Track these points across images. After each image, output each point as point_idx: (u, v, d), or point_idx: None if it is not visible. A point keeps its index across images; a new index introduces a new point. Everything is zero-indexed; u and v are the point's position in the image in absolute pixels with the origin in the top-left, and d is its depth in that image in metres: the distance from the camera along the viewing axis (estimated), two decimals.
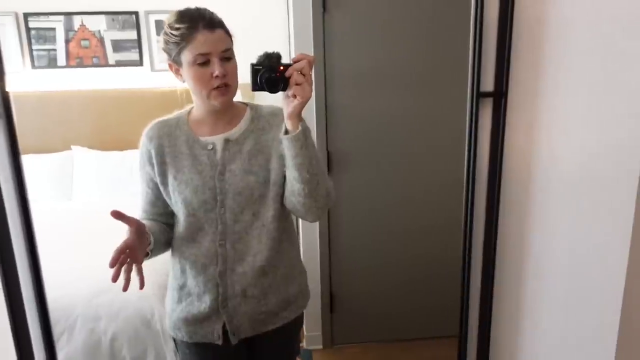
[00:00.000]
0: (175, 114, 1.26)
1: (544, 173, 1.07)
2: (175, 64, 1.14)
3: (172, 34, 1.10)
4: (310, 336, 2.47)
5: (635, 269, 0.82)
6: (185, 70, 1.12)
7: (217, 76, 1.10)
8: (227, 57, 1.12)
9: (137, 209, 1.30)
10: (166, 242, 1.26)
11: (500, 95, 1.09)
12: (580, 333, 0.99)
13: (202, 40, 1.08)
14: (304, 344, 2.47)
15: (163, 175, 1.20)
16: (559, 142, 1.02)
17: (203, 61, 1.10)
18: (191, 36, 1.08)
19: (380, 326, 2.51)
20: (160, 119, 1.25)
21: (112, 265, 1.02)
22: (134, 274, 1.06)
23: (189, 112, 1.24)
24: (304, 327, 2.44)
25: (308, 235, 2.35)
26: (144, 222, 1.19)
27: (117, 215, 1.05)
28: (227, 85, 1.13)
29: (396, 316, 2.49)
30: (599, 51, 0.88)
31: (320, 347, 2.49)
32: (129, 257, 1.05)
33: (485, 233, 1.20)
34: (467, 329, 1.26)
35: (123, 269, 1.04)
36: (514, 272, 1.20)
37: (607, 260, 0.88)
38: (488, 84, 1.10)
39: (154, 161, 1.20)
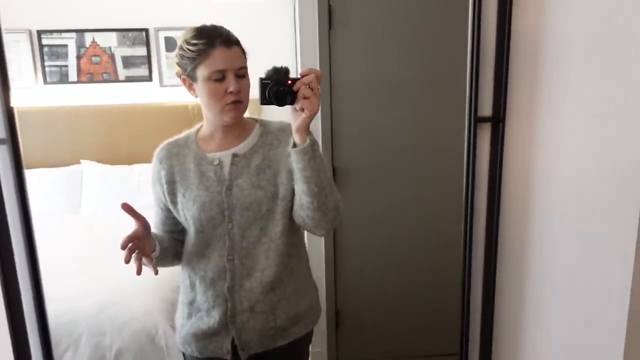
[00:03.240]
0: (184, 133, 1.28)
1: (543, 196, 1.07)
2: (189, 78, 1.16)
3: (188, 49, 1.12)
4: (315, 352, 2.44)
5: (639, 288, 0.81)
6: (199, 85, 1.14)
7: (231, 92, 1.12)
8: (242, 74, 1.15)
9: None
10: (175, 254, 1.28)
11: (498, 120, 1.10)
12: (583, 353, 0.98)
13: (219, 56, 1.11)
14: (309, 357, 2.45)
15: (172, 194, 1.22)
16: (557, 165, 1.02)
17: (219, 77, 1.12)
18: (208, 52, 1.10)
19: (385, 343, 2.48)
20: (170, 139, 1.27)
21: (123, 247, 1.07)
22: (143, 274, 1.11)
23: (198, 130, 1.26)
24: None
25: (313, 251, 2.34)
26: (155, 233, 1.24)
27: (127, 208, 1.10)
28: (239, 102, 1.15)
29: (401, 333, 2.47)
30: (594, 75, 0.89)
31: None
32: (137, 247, 1.10)
33: (485, 256, 1.19)
34: (467, 349, 1.24)
35: (134, 256, 1.09)
36: (515, 294, 1.19)
37: (608, 284, 0.87)
38: (486, 109, 1.10)
39: (163, 181, 1.23)
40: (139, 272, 1.10)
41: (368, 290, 2.41)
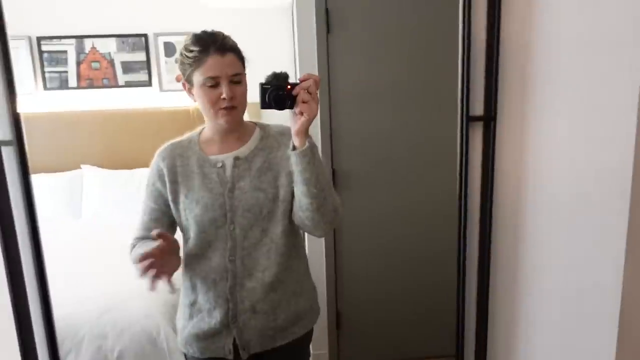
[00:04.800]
0: (187, 135, 1.30)
1: (535, 195, 1.09)
2: (188, 83, 1.20)
3: (186, 55, 1.16)
4: (316, 354, 2.45)
5: (631, 285, 0.82)
6: (196, 90, 1.17)
7: (224, 98, 1.15)
8: (237, 80, 1.17)
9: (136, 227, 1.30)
10: None
11: (489, 120, 1.12)
12: (576, 353, 0.99)
13: (212, 64, 1.13)
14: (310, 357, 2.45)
15: (174, 194, 1.23)
16: (549, 163, 1.03)
17: (212, 84, 1.14)
18: (202, 59, 1.13)
19: (387, 344, 2.49)
20: (173, 140, 1.29)
21: (140, 260, 1.03)
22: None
23: (200, 133, 1.28)
24: (310, 345, 2.43)
25: (314, 253, 2.35)
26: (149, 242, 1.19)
27: (159, 236, 1.07)
28: (233, 107, 1.17)
29: (404, 334, 2.47)
30: (584, 74, 0.90)
31: None
32: (154, 265, 1.04)
33: (478, 255, 1.21)
34: (463, 349, 1.26)
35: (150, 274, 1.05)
36: (508, 292, 1.21)
37: (600, 280, 0.89)
38: (478, 108, 1.13)
39: (166, 179, 1.24)
40: (152, 289, 1.05)
41: (369, 292, 2.42)
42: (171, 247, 1.11)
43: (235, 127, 1.22)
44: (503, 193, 1.16)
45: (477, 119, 1.12)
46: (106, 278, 1.99)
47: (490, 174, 1.14)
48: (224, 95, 1.14)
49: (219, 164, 1.22)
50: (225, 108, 1.16)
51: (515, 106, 1.09)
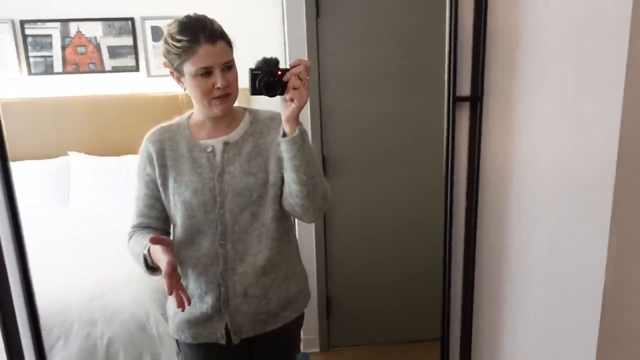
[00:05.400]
0: (176, 119, 1.29)
1: (521, 175, 1.09)
2: (177, 72, 1.17)
3: (173, 44, 1.12)
4: (307, 339, 2.47)
5: (614, 269, 0.84)
6: (187, 80, 1.15)
7: (218, 88, 1.13)
8: (229, 67, 1.15)
9: (130, 214, 1.31)
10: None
11: (476, 100, 1.12)
12: (560, 335, 1.01)
13: (204, 54, 1.10)
14: (301, 347, 2.48)
15: (164, 178, 1.23)
16: (535, 144, 1.04)
17: (204, 73, 1.12)
18: (193, 49, 1.10)
19: (376, 329, 2.52)
20: (162, 124, 1.28)
21: (170, 293, 1.08)
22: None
23: (189, 117, 1.27)
24: (301, 330, 2.45)
25: (304, 239, 2.36)
26: (146, 234, 1.23)
27: (155, 240, 1.10)
28: (227, 95, 1.16)
29: (393, 319, 2.50)
30: (571, 55, 0.90)
31: (317, 350, 2.50)
32: (175, 274, 1.10)
33: (465, 236, 1.22)
34: (449, 332, 1.27)
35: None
36: (494, 274, 1.22)
37: (585, 261, 0.90)
38: (465, 88, 1.12)
39: (155, 163, 1.23)
40: (183, 306, 1.11)
41: (359, 278, 2.44)
42: (170, 248, 1.13)
43: (228, 114, 1.21)
44: (489, 174, 1.16)
45: (463, 99, 1.12)
46: (95, 265, 1.98)
47: (476, 155, 1.14)
48: (218, 85, 1.12)
49: (209, 149, 1.21)
50: (219, 97, 1.15)
51: (502, 87, 1.09)
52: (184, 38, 1.11)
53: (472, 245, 1.20)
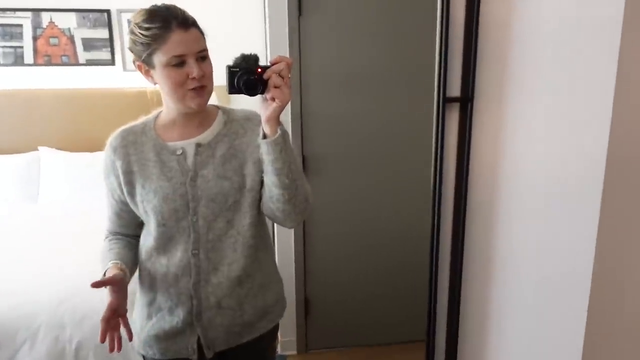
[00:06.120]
0: (141, 120, 1.20)
1: (510, 176, 1.08)
2: (145, 64, 1.08)
3: (141, 34, 1.04)
4: (285, 342, 2.44)
5: (601, 271, 0.83)
6: (158, 72, 1.07)
7: (194, 78, 1.05)
8: (203, 56, 1.08)
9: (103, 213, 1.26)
10: (135, 266, 1.23)
11: (466, 101, 1.11)
12: (546, 335, 1.00)
13: (177, 40, 1.03)
14: (278, 350, 2.44)
15: (130, 185, 1.15)
16: (525, 145, 1.03)
17: (178, 62, 1.04)
18: (164, 37, 1.03)
19: (354, 331, 2.50)
20: (125, 126, 1.19)
21: (102, 341, 1.04)
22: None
23: (156, 117, 1.19)
24: (279, 332, 2.42)
25: (283, 240, 2.32)
26: (115, 247, 1.19)
27: (98, 284, 1.05)
28: (203, 87, 1.09)
29: (371, 321, 2.49)
30: (563, 56, 0.90)
31: (295, 352, 2.47)
32: (114, 318, 1.06)
33: (452, 237, 1.21)
34: (434, 333, 1.26)
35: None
36: (481, 275, 1.21)
37: (572, 262, 0.89)
38: (455, 89, 1.11)
39: (119, 172, 1.15)
40: (114, 350, 1.06)
41: (338, 279, 2.42)
42: (118, 286, 1.08)
43: (199, 111, 1.13)
44: (478, 175, 1.15)
45: (453, 100, 1.11)
46: (64, 265, 1.90)
47: (466, 156, 1.13)
48: (194, 74, 1.04)
49: (179, 151, 1.14)
50: (194, 89, 1.07)
51: (493, 88, 1.08)
52: (153, 25, 1.02)
53: (460, 250, 1.19)
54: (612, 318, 0.87)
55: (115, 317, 1.06)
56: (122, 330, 1.09)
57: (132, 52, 1.10)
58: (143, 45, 1.05)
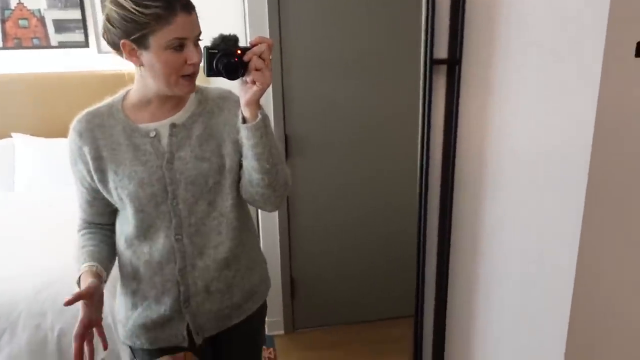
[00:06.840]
0: (106, 101, 1.14)
1: (498, 144, 1.07)
2: (134, 44, 1.00)
3: (137, 10, 0.96)
4: (272, 322, 2.45)
5: (587, 241, 0.84)
6: (153, 53, 1.00)
7: (190, 64, 1.02)
8: (197, 41, 1.04)
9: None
10: (114, 258, 1.19)
11: (454, 63, 1.08)
12: (533, 307, 1.01)
13: (181, 23, 0.98)
14: (266, 330, 2.45)
15: (101, 172, 1.10)
16: (513, 111, 1.02)
17: (178, 45, 1.00)
18: (168, 19, 0.97)
19: (341, 309, 2.52)
20: (89, 109, 1.13)
21: (77, 356, 0.99)
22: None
23: (124, 97, 1.13)
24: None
25: (267, 221, 2.31)
26: (88, 244, 1.14)
27: (72, 302, 0.99)
28: (194, 74, 1.05)
29: (357, 298, 2.51)
30: (553, 17, 0.88)
31: (282, 332, 2.48)
32: (88, 331, 1.02)
33: (439, 210, 1.20)
34: (422, 309, 1.27)
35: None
36: (469, 249, 1.21)
37: (559, 233, 0.90)
38: (442, 51, 1.08)
39: (88, 158, 1.10)
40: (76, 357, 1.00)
41: (323, 258, 2.42)
42: (90, 298, 1.02)
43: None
44: (466, 142, 1.14)
45: (441, 62, 1.08)
46: (43, 253, 1.86)
47: (454, 121, 1.11)
48: (194, 60, 1.01)
49: (152, 133, 1.09)
50: (188, 75, 1.03)
51: (481, 50, 1.06)
52: (155, 4, 0.96)
53: (448, 221, 1.18)
54: (596, 280, 0.87)
55: (87, 330, 1.01)
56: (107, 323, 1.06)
57: (115, 28, 1.00)
58: (137, 24, 0.98)
